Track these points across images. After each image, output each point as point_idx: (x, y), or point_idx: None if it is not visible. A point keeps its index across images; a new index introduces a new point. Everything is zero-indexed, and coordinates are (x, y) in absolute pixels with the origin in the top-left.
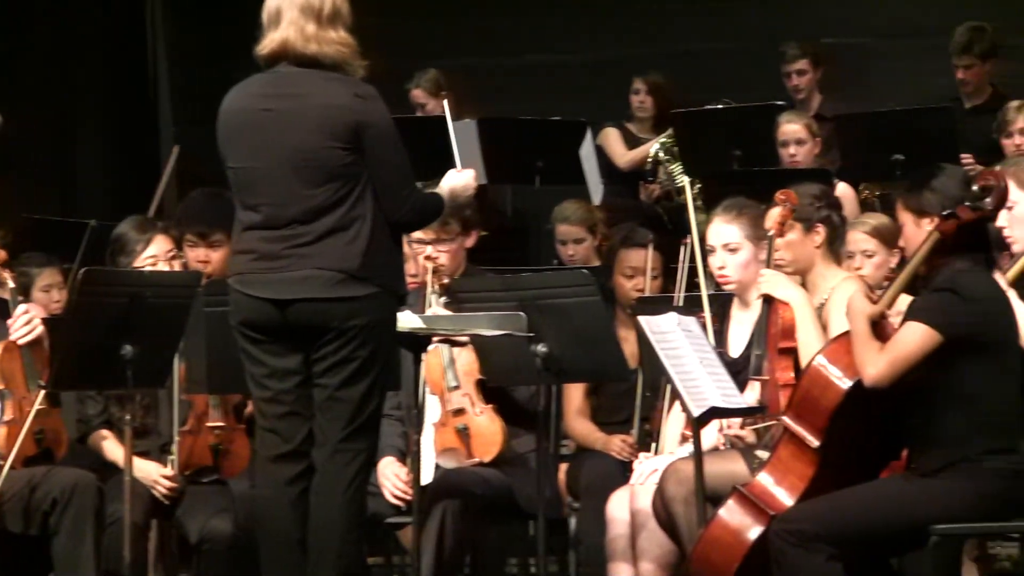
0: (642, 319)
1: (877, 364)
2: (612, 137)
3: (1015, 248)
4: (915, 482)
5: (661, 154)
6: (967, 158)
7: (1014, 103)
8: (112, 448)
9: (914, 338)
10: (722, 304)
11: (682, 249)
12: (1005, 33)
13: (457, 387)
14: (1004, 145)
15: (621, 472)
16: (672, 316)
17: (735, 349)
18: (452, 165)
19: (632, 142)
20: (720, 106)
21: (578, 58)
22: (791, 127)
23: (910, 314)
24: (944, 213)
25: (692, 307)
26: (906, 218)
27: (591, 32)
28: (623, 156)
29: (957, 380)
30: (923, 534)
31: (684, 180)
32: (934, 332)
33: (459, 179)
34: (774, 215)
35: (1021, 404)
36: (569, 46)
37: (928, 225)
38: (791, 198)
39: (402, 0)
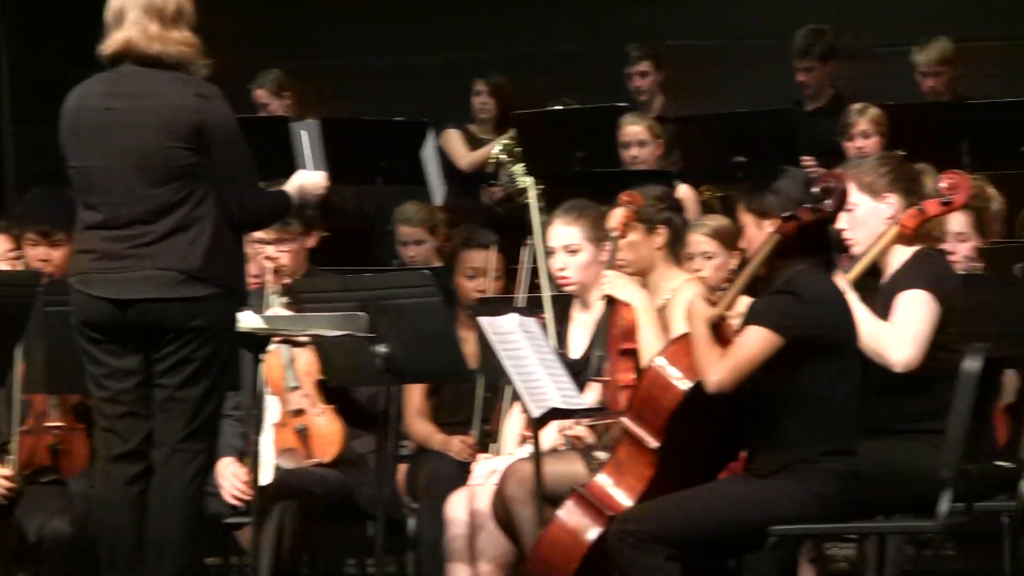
0: (483, 320)
1: (719, 370)
2: (453, 139)
3: (855, 250)
4: (753, 483)
5: (502, 156)
6: (808, 160)
7: (856, 106)
8: None
9: (755, 342)
10: (563, 305)
11: (523, 250)
12: (846, 36)
13: (297, 387)
14: (846, 148)
15: (460, 473)
16: (513, 317)
17: (575, 350)
18: (294, 163)
19: (474, 143)
20: (559, 107)
21: (421, 59)
22: (633, 129)
23: (750, 317)
24: (785, 215)
25: (533, 308)
26: (747, 219)
27: (434, 33)
28: (464, 158)
29: (796, 382)
30: (761, 535)
31: (526, 182)
32: (774, 335)
33: (311, 177)
34: (617, 216)
35: (859, 406)
36: (412, 47)
37: (769, 227)
38: (635, 199)
39: (245, 0)
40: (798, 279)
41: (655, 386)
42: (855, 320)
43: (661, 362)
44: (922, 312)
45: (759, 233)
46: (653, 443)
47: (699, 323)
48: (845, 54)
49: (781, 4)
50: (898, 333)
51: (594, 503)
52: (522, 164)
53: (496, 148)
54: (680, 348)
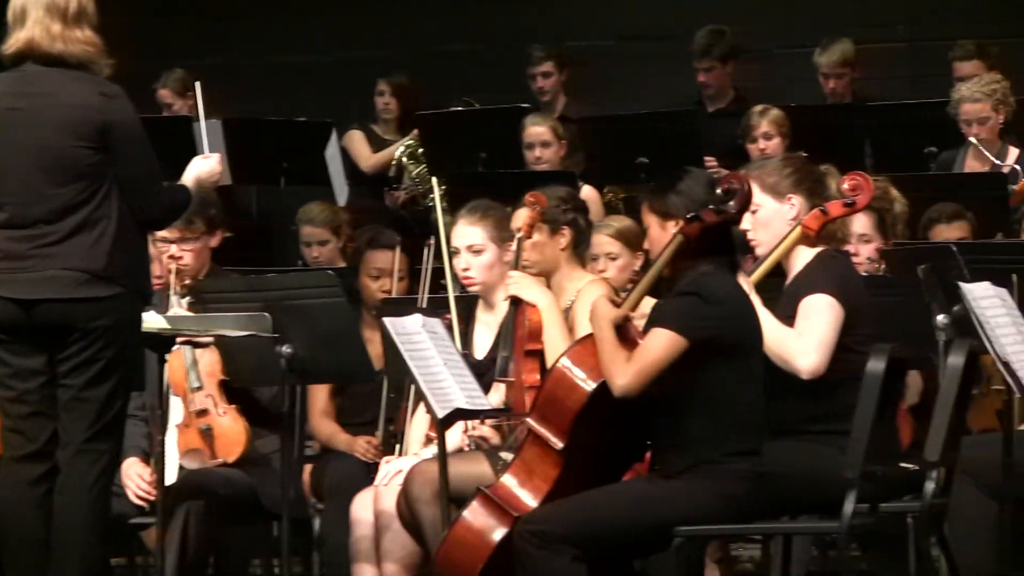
0: (387, 320)
1: (625, 374)
2: (357, 140)
3: (758, 251)
4: (659, 483)
5: (405, 159)
6: (711, 161)
7: (757, 108)
8: None
9: (660, 345)
10: (467, 306)
11: (426, 251)
12: (748, 37)
13: (200, 388)
14: (748, 149)
15: (365, 473)
16: (417, 318)
17: (480, 351)
18: None
19: (378, 144)
20: (460, 107)
21: (325, 59)
22: (536, 129)
23: (655, 320)
24: (688, 216)
25: (437, 308)
26: (651, 220)
27: (338, 33)
28: (368, 159)
29: (701, 383)
30: (666, 535)
31: (429, 183)
32: (680, 337)
33: (204, 165)
34: (522, 217)
35: (765, 407)
36: (316, 47)
37: (673, 227)
38: (540, 200)
39: (148, 0)
40: (702, 280)
41: (560, 387)
42: (760, 321)
43: (566, 363)
44: (826, 317)
45: (663, 234)
46: (558, 444)
47: (604, 324)
48: (748, 55)
49: (683, 5)
50: (803, 341)
51: (500, 503)
52: (424, 166)
53: (398, 151)
54: (585, 349)
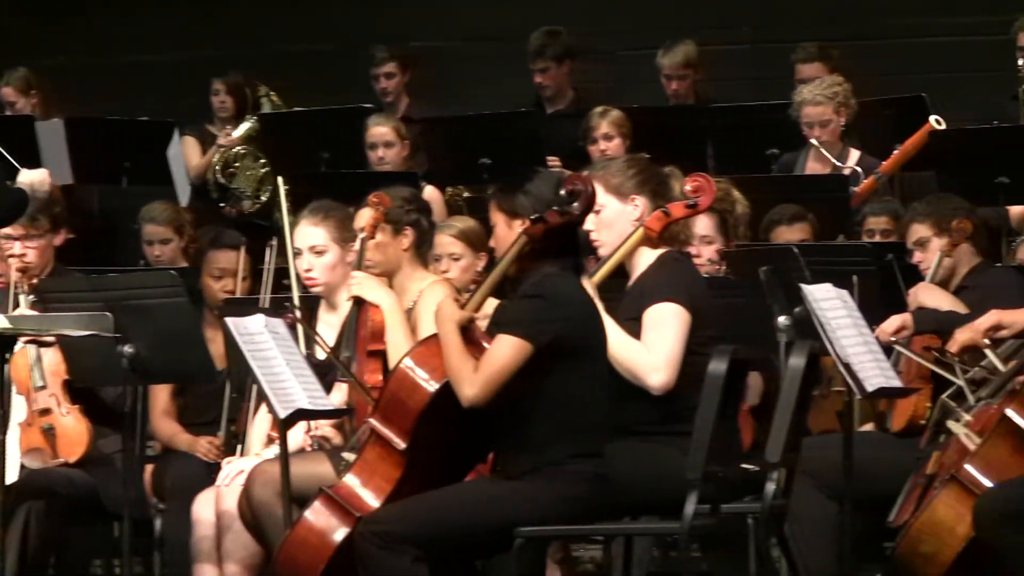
0: (229, 320)
1: (474, 384)
2: (190, 146)
3: (601, 252)
4: (501, 484)
5: (219, 176)
6: (554, 161)
7: (598, 109)
8: None
9: (507, 352)
10: (310, 306)
11: (267, 251)
12: (591, 38)
13: (44, 387)
14: (590, 151)
15: (207, 473)
16: (259, 318)
17: (322, 351)
18: (41, 161)
19: (214, 143)
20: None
21: (166, 58)
22: (379, 130)
23: (500, 323)
24: (533, 217)
25: (280, 309)
26: (499, 218)
27: (180, 32)
28: (193, 168)
29: (545, 386)
30: (508, 536)
31: (255, 187)
32: (526, 343)
33: (34, 175)
34: (365, 217)
35: (607, 408)
36: (158, 46)
37: (520, 227)
38: (384, 201)
39: None
40: (546, 282)
41: (403, 387)
42: (603, 323)
43: (409, 363)
44: (674, 328)
45: (510, 233)
46: (401, 444)
47: (449, 327)
48: (591, 57)
49: (527, 6)
50: (653, 356)
51: (342, 504)
52: (249, 171)
53: (215, 156)
54: (428, 350)
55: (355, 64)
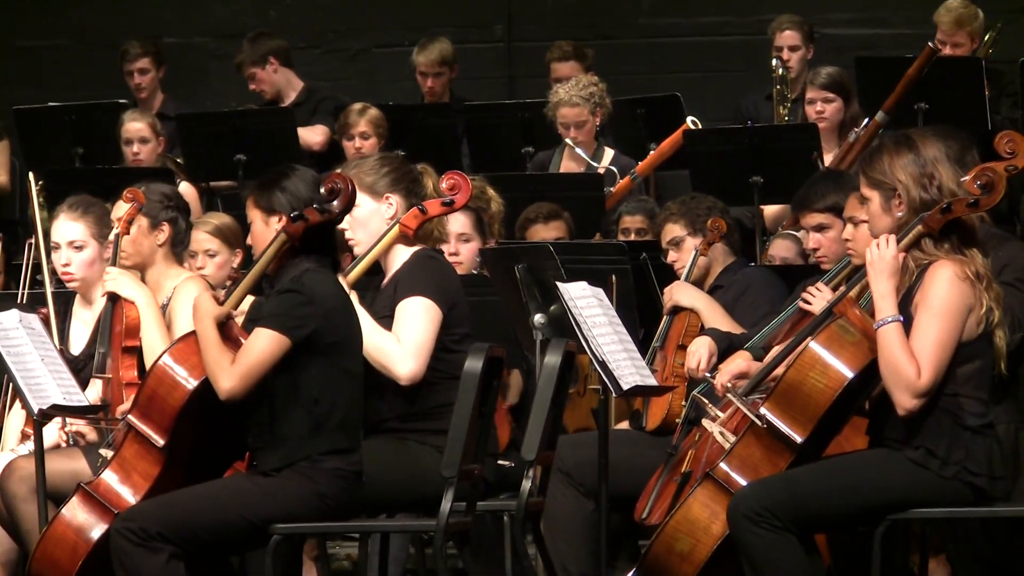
0: None
1: (231, 377)
2: None
3: (357, 250)
4: (256, 481)
5: None
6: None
7: (356, 106)
8: None
9: (263, 345)
10: (65, 301)
11: (27, 247)
12: (346, 36)
13: None
14: (345, 147)
15: None
16: (13, 313)
17: (77, 346)
18: None
19: None
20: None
21: None
22: (135, 126)
23: (256, 318)
24: (292, 215)
25: (35, 304)
26: (256, 215)
27: None
28: None
29: (300, 380)
30: (264, 533)
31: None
32: (282, 336)
33: None
34: (120, 212)
35: (362, 405)
36: None
37: (277, 223)
38: (138, 196)
39: None
40: (303, 278)
41: (161, 385)
42: (358, 320)
43: (167, 361)
44: (424, 321)
45: (267, 230)
46: (160, 441)
47: (207, 323)
48: (346, 54)
49: (280, 3)
50: (402, 347)
51: (100, 500)
52: None
53: None
54: (186, 347)
55: (110, 59)
